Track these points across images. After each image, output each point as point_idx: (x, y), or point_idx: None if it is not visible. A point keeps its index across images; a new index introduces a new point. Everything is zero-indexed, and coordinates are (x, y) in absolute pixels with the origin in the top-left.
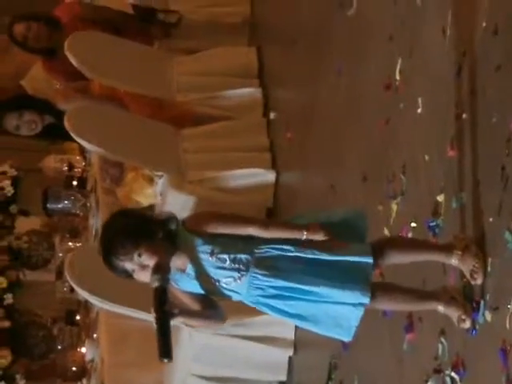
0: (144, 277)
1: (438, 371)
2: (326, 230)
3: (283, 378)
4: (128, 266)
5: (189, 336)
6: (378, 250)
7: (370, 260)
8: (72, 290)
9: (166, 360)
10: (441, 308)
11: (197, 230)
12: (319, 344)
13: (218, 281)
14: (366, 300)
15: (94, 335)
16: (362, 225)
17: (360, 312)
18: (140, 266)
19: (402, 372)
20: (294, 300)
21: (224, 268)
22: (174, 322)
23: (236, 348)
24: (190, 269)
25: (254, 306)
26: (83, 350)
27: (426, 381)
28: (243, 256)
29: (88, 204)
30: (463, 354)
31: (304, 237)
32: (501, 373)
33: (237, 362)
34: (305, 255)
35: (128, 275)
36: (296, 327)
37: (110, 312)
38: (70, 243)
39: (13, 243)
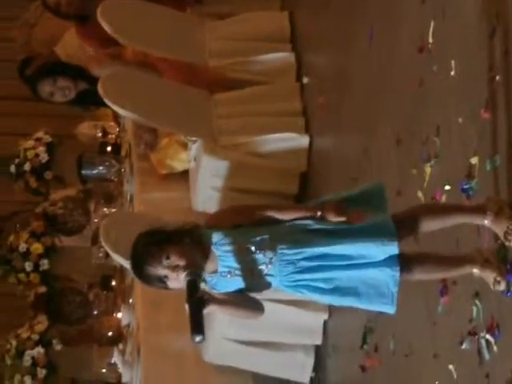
0: (177, 282)
1: (472, 334)
2: (342, 209)
3: (318, 341)
4: (160, 271)
5: None
6: (412, 219)
7: (388, 218)
8: (107, 255)
9: (197, 338)
10: (476, 271)
11: (218, 225)
12: (354, 307)
13: (252, 269)
14: (394, 247)
15: (130, 300)
16: (381, 195)
17: (396, 274)
18: (171, 269)
19: (436, 335)
20: (329, 270)
21: (252, 255)
22: (209, 310)
23: (271, 312)
24: (221, 267)
25: (292, 290)
26: (119, 315)
27: (461, 343)
28: (266, 237)
29: (122, 170)
30: (498, 316)
31: (318, 215)
32: None
33: (271, 326)
34: (326, 227)
35: (162, 283)
36: None
37: None
38: (105, 209)
39: (48, 209)
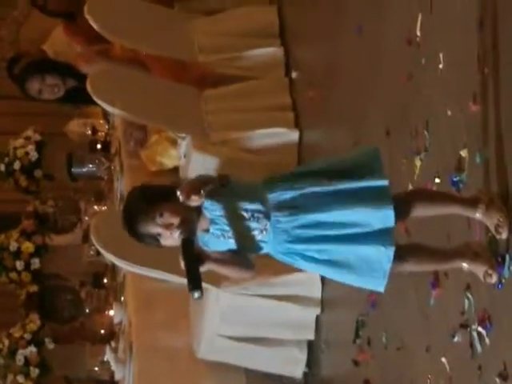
0: (171, 239)
1: (464, 326)
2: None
3: (311, 336)
4: (153, 229)
5: (216, 297)
6: (406, 202)
7: (385, 182)
8: (98, 253)
9: (196, 294)
10: (465, 265)
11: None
12: (346, 302)
13: (245, 234)
14: (390, 213)
15: (122, 298)
16: (376, 160)
17: (390, 252)
18: (164, 227)
19: (428, 328)
20: (323, 242)
21: (246, 221)
22: (205, 268)
23: (263, 308)
24: (213, 229)
25: (285, 258)
26: (111, 312)
27: (453, 336)
28: (260, 204)
29: (112, 167)
30: (489, 309)
31: None
32: None
33: (264, 322)
34: (320, 188)
35: (155, 240)
36: (323, 285)
37: (137, 274)
38: (96, 207)
39: (38, 208)
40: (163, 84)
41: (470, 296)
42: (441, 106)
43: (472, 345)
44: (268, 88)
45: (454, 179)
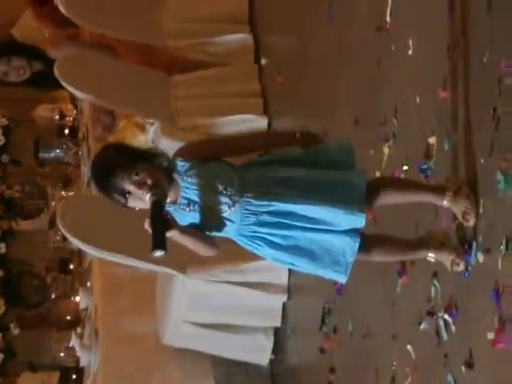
0: (140, 201)
1: (431, 313)
2: (317, 136)
3: (277, 323)
4: (126, 185)
5: (182, 283)
6: (371, 189)
7: (363, 181)
8: (65, 238)
9: (159, 252)
10: (431, 255)
11: (189, 156)
12: (313, 289)
13: (213, 207)
14: (362, 219)
15: (88, 284)
16: (350, 156)
17: (355, 244)
18: (137, 185)
19: (395, 315)
20: (289, 229)
21: (217, 194)
22: (171, 234)
23: (230, 294)
24: (182, 198)
25: (247, 243)
26: (77, 298)
27: (420, 323)
28: (235, 182)
29: (80, 152)
30: (456, 296)
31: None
32: (493, 313)
33: (231, 309)
34: (297, 174)
35: (123, 198)
36: (290, 272)
37: (103, 260)
38: (63, 192)
39: (5, 193)
40: (132, 69)
41: (436, 284)
42: (410, 93)
43: (438, 332)
44: (237, 74)
45: (422, 166)
